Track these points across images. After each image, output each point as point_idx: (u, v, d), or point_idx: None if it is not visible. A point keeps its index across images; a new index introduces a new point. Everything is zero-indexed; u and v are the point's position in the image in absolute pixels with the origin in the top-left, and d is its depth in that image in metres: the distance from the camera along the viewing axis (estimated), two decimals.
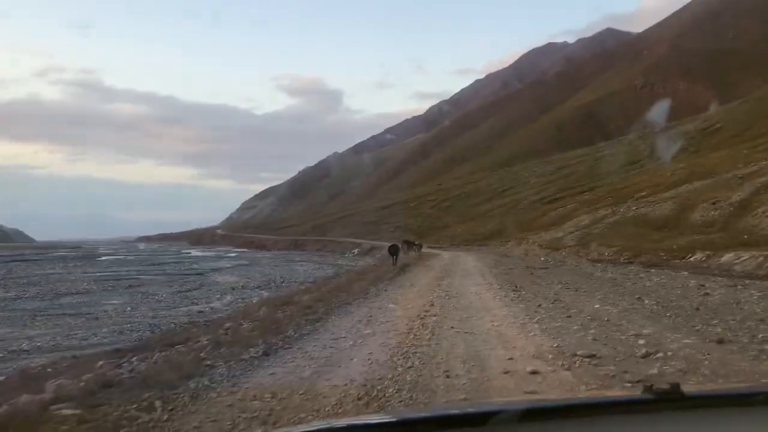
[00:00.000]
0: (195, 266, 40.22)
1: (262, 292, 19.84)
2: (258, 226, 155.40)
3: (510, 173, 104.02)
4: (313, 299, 13.89)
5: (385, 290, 16.93)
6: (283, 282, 24.43)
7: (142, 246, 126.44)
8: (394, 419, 1.68)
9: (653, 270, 21.38)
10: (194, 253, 76.32)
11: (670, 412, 1.60)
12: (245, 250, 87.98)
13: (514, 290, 15.41)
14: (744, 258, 21.68)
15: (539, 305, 11.99)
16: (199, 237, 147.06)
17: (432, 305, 12.48)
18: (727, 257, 22.43)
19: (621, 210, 37.58)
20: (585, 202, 53.18)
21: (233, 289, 21.79)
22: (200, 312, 15.15)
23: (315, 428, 1.51)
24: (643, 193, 44.67)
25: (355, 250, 58.23)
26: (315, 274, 28.53)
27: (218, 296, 19.24)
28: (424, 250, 41.69)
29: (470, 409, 1.80)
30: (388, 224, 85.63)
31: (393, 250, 30.51)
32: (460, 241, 58.21)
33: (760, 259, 20.48)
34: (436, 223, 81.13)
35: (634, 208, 36.63)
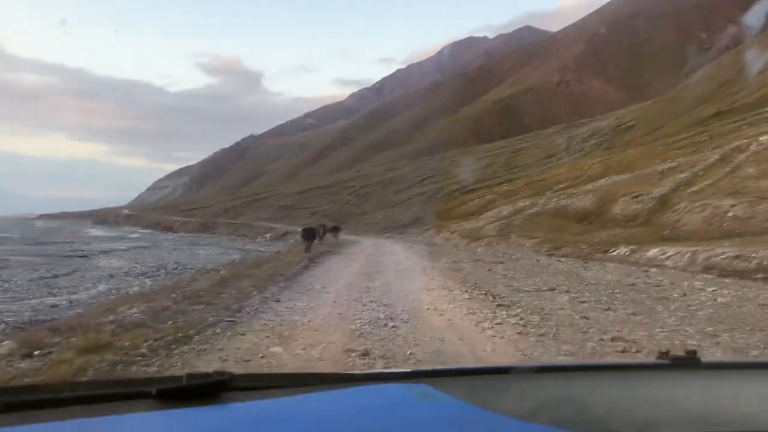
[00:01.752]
0: (84, 247, 36.44)
1: (146, 280, 17.12)
2: (168, 207, 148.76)
3: (430, 162, 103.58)
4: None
5: (277, 299, 10.74)
6: (176, 269, 21.55)
7: (39, 224, 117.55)
8: (421, 369, 1.73)
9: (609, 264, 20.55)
10: (93, 233, 71.19)
11: (686, 375, 1.62)
12: (151, 231, 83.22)
13: (496, 303, 10.20)
14: (669, 253, 21.06)
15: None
16: (104, 216, 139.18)
17: (361, 342, 6.99)
18: (653, 252, 21.80)
19: (541, 201, 37.06)
20: (503, 193, 52.92)
21: (112, 276, 18.61)
22: (53, 307, 12.43)
23: (339, 373, 1.62)
24: (562, 185, 44.62)
25: (268, 235, 55.74)
26: (217, 260, 25.78)
27: (90, 285, 16.08)
28: (342, 236, 39.72)
29: (491, 366, 1.85)
30: (305, 209, 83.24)
31: (307, 234, 26.51)
32: (380, 228, 56.85)
33: (688, 254, 19.83)
34: (355, 210, 79.49)
35: (554, 199, 36.16)
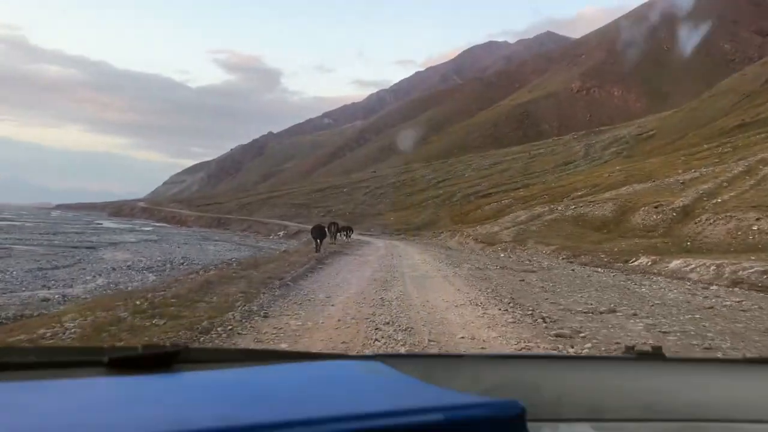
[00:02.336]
0: (93, 239, 36.05)
1: (150, 275, 16.52)
2: (183, 201, 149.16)
3: (446, 165, 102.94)
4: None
5: (265, 313, 8.71)
6: (182, 263, 20.93)
7: (55, 214, 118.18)
8: (381, 354, 1.80)
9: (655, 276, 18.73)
10: (106, 224, 71.13)
11: (647, 367, 1.61)
12: (164, 224, 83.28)
13: (553, 331, 7.79)
14: (693, 265, 20.34)
15: None
16: (119, 209, 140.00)
17: None
18: (676, 263, 21.07)
19: (559, 208, 36.31)
20: (520, 199, 52.27)
21: (114, 269, 17.92)
22: (44, 300, 11.78)
23: (298, 351, 1.71)
24: (580, 193, 43.90)
25: (281, 233, 55.39)
26: (226, 255, 25.20)
27: (89, 278, 15.41)
28: (354, 236, 39.15)
29: (451, 353, 1.89)
30: (319, 208, 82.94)
31: (317, 233, 25.00)
32: (392, 230, 56.31)
33: (713, 267, 19.11)
34: (369, 210, 79.03)
35: (573, 207, 35.40)
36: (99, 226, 64.39)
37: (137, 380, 1.13)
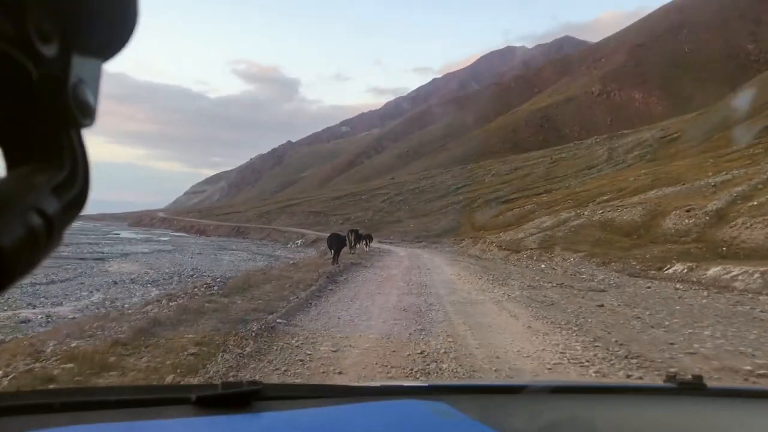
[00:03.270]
0: (106, 249, 35.36)
1: (153, 289, 15.54)
2: (203, 211, 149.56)
3: (465, 171, 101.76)
4: None
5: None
6: (192, 275, 19.84)
7: (75, 224, 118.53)
8: (438, 384, 1.88)
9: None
10: (123, 234, 71.07)
11: (691, 400, 1.66)
12: (183, 234, 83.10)
13: None
14: (734, 273, 19.13)
15: None
16: (138, 219, 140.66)
17: None
18: (715, 271, 19.86)
19: (586, 213, 35.12)
20: (543, 204, 51.04)
21: (115, 283, 16.74)
22: (23, 322, 10.62)
23: (363, 386, 1.71)
24: (606, 197, 42.65)
25: (299, 241, 54.67)
26: (241, 266, 24.15)
27: (85, 293, 14.15)
28: (374, 244, 38.24)
29: (507, 383, 2.01)
30: (337, 216, 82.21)
31: (334, 243, 21.90)
32: (412, 237, 55.33)
33: (756, 275, 17.90)
34: (387, 218, 78.11)
35: (600, 211, 34.20)
36: (116, 236, 64.16)
37: (222, 420, 1.22)
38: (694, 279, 18.63)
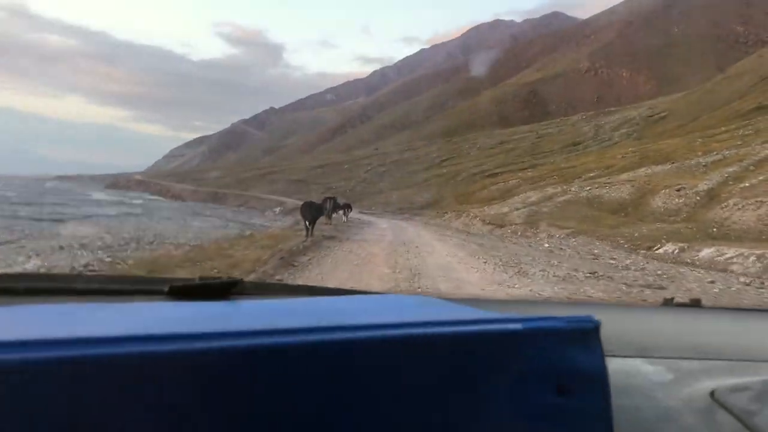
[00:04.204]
0: (69, 211, 33.49)
1: (104, 256, 13.94)
2: (181, 175, 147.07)
3: (450, 144, 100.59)
4: None
5: None
6: (153, 242, 18.44)
7: (50, 185, 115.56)
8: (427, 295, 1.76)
9: None
10: (96, 196, 69.04)
11: (687, 314, 1.68)
12: (158, 198, 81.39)
13: None
14: (728, 255, 18.28)
15: None
16: (115, 181, 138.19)
17: None
18: (707, 252, 19.00)
19: (572, 189, 34.28)
20: (528, 179, 50.24)
21: (62, 248, 15.13)
22: None
23: (347, 289, 1.60)
24: (592, 174, 41.87)
25: (278, 209, 53.33)
26: (210, 234, 22.64)
27: (22, 259, 11.60)
28: (354, 215, 36.99)
29: (499, 298, 2.13)
30: (319, 185, 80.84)
31: (308, 213, 19.27)
32: (395, 208, 54.34)
33: (752, 258, 17.05)
34: (370, 188, 77.01)
35: (587, 188, 33.36)
36: (87, 197, 62.11)
37: (197, 305, 1.18)
38: (688, 260, 17.76)
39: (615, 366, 1.06)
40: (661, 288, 10.82)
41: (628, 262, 15.71)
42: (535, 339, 0.84)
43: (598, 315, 1.25)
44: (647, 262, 15.78)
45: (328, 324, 0.74)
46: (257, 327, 0.76)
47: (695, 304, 1.70)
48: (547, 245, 20.66)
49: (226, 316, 1.07)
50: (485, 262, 13.41)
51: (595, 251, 18.82)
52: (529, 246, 20.18)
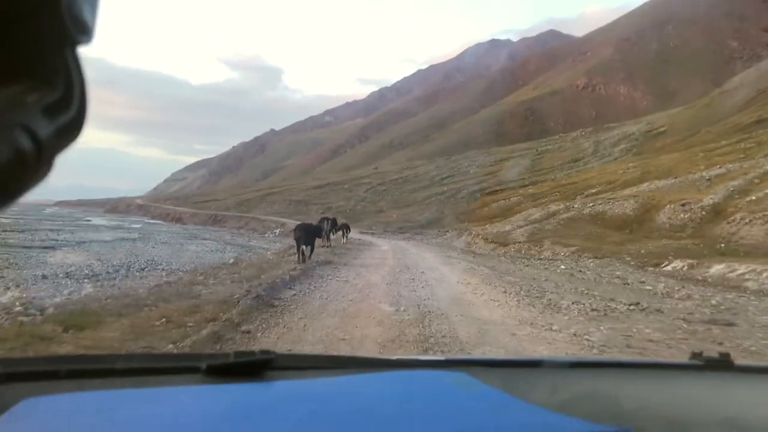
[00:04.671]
0: (63, 237, 32.77)
1: (88, 285, 13.22)
2: (182, 198, 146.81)
3: (449, 162, 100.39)
4: None
5: None
6: (144, 268, 17.74)
7: (49, 210, 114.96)
8: (456, 358, 1.79)
9: None
10: (95, 221, 68.36)
11: (718, 376, 1.60)
12: (159, 221, 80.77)
13: None
14: (740, 271, 17.82)
15: None
16: (115, 205, 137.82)
17: None
18: (718, 269, 18.55)
19: (575, 206, 33.85)
20: (529, 196, 49.91)
21: (45, 277, 14.17)
22: None
23: (379, 358, 1.68)
24: (594, 190, 41.53)
25: (277, 230, 52.87)
26: (205, 259, 21.92)
27: None
28: (354, 235, 36.46)
29: (526, 358, 1.94)
30: (319, 205, 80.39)
31: (302, 235, 16.93)
32: (395, 228, 53.83)
33: (765, 274, 16.58)
34: (370, 207, 76.58)
35: (590, 204, 32.93)
36: (85, 223, 61.45)
37: (233, 388, 1.20)
38: (699, 277, 17.27)
39: None
40: (731, 324, 9.03)
41: (661, 286, 14.39)
42: None
43: (629, 381, 1.42)
44: (683, 286, 14.55)
45: None
46: (289, 417, 0.82)
47: (725, 359, 1.60)
48: (564, 267, 19.29)
49: (263, 408, 1.07)
50: (504, 292, 11.66)
51: (618, 273, 17.67)
52: (546, 269, 18.65)
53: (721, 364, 1.60)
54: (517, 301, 10.73)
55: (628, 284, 14.80)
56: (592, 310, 9.96)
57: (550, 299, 10.94)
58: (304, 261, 16.19)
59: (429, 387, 1.27)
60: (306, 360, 1.63)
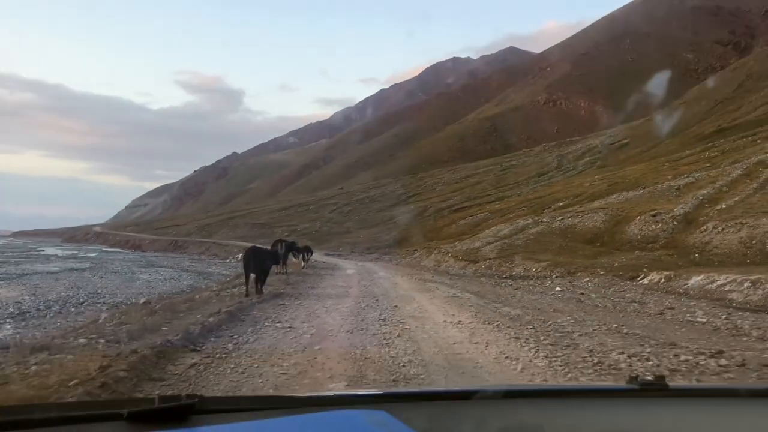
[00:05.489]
0: (4, 269, 30.76)
1: (7, 326, 11.73)
2: (144, 225, 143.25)
3: (415, 180, 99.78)
4: None
5: None
6: (84, 302, 16.15)
7: (2, 242, 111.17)
8: (385, 392, 1.72)
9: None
10: (48, 251, 65.60)
11: (653, 402, 1.59)
12: (117, 249, 78.21)
13: None
14: (720, 282, 17.03)
15: None
16: (72, 234, 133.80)
17: None
18: (697, 280, 17.76)
19: (544, 220, 33.14)
20: (497, 212, 49.23)
21: None
22: None
23: (306, 396, 1.61)
24: (562, 204, 40.99)
25: (239, 255, 51.21)
26: (157, 288, 20.43)
27: None
28: (320, 257, 35.08)
29: (459, 389, 1.87)
30: (283, 227, 78.75)
31: (250, 262, 14.20)
32: (363, 248, 52.62)
33: (747, 284, 15.82)
34: (336, 228, 75.25)
35: (559, 218, 32.26)
36: (38, 253, 58.84)
37: None
38: (680, 290, 16.44)
39: None
40: None
41: (667, 302, 12.90)
42: None
43: (561, 410, 1.43)
44: (694, 303, 13.13)
45: None
46: None
47: (660, 383, 1.60)
48: (559, 289, 17.01)
49: None
50: (516, 338, 8.19)
51: (628, 295, 15.51)
52: (541, 293, 16.12)
53: (657, 388, 1.59)
54: (545, 356, 6.98)
55: (662, 314, 11.55)
56: (671, 370, 6.35)
57: (590, 350, 7.34)
58: (256, 292, 13.67)
59: (345, 429, 1.24)
60: (232, 402, 1.62)
